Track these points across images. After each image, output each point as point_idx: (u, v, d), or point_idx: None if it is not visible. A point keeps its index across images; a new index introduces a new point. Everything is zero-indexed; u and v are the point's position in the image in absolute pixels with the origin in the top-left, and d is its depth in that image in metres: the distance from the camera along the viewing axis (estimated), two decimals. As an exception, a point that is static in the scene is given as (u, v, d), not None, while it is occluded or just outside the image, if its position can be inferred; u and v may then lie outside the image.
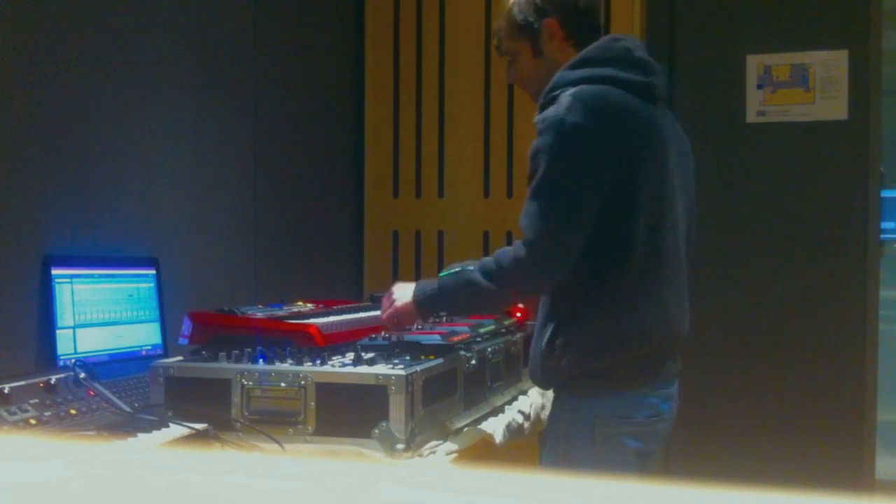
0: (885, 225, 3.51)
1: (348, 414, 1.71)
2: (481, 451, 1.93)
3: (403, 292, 1.96)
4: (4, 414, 1.49)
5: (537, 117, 1.86)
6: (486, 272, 1.83)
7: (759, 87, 3.31)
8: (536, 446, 2.37)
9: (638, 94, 1.87)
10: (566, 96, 1.80)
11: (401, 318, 1.98)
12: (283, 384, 1.74)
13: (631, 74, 1.87)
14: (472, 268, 1.87)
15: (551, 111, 1.81)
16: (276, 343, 1.88)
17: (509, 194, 3.39)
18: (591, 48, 1.92)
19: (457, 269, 1.91)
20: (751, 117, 3.33)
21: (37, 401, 1.56)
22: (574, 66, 1.89)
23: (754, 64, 3.32)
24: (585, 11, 1.98)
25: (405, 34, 3.51)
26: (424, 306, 1.93)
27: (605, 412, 1.86)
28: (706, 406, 3.36)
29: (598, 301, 1.84)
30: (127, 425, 1.61)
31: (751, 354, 3.32)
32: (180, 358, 1.92)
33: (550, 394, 2.07)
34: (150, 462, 0.74)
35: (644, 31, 3.31)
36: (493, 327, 2.27)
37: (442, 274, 1.96)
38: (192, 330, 1.99)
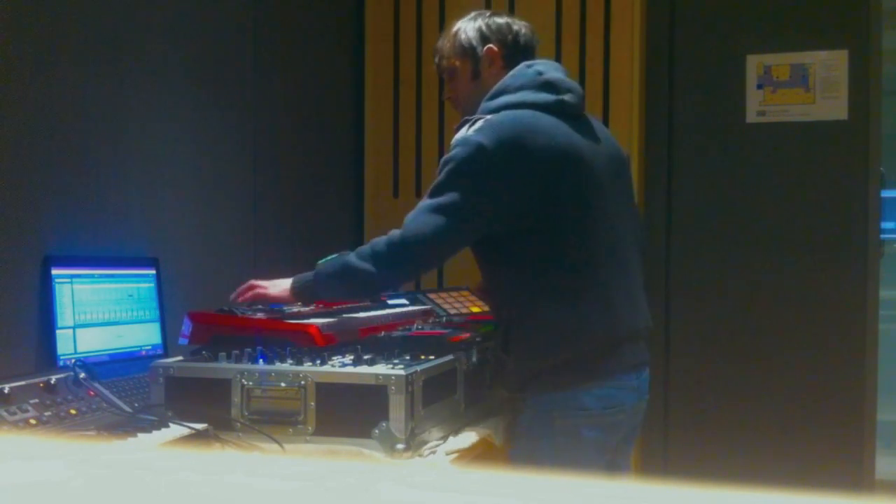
0: (885, 225, 3.51)
1: (348, 414, 1.71)
2: (481, 451, 1.93)
3: (280, 282, 2.10)
4: (4, 414, 1.49)
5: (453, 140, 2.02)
6: (360, 255, 1.98)
7: (759, 87, 3.31)
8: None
9: (552, 112, 2.00)
10: (482, 120, 1.98)
11: (262, 299, 2.11)
12: (283, 384, 1.74)
13: (542, 94, 2.02)
14: (348, 252, 2.01)
15: (462, 131, 2.00)
16: (276, 343, 1.88)
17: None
18: (505, 77, 2.08)
19: (334, 256, 2.04)
20: (751, 117, 3.33)
21: (37, 401, 1.56)
22: (492, 97, 2.06)
23: (754, 64, 3.32)
24: (525, 47, 2.15)
25: (405, 34, 3.51)
26: (301, 292, 2.06)
27: (562, 405, 1.95)
28: (706, 406, 3.36)
29: (540, 304, 1.95)
30: (127, 425, 1.61)
31: (750, 354, 3.32)
32: (180, 358, 1.92)
33: None
34: (150, 462, 0.74)
35: (644, 31, 3.31)
36: (493, 327, 2.27)
37: (319, 262, 2.06)
38: (192, 330, 1.99)
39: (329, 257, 2.05)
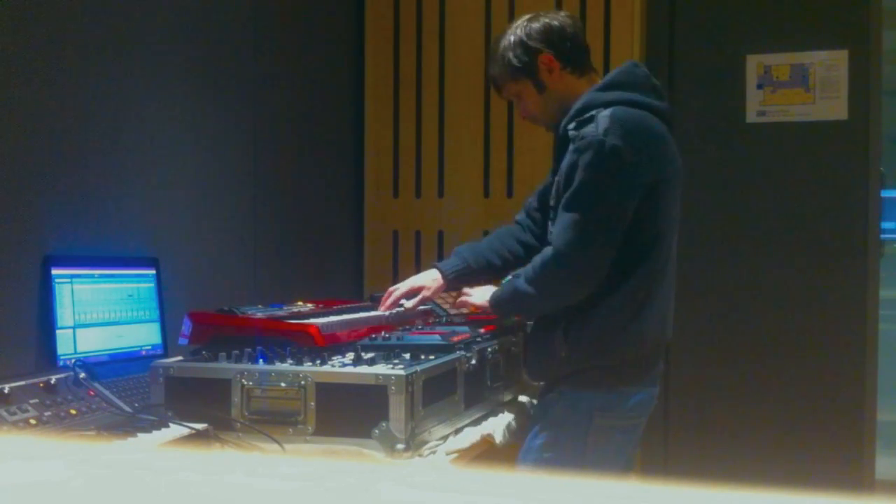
0: (885, 225, 3.51)
1: (348, 414, 1.71)
2: (481, 451, 1.93)
3: (482, 293, 2.19)
4: (4, 414, 1.49)
5: (573, 132, 1.96)
6: (527, 277, 1.99)
7: (759, 87, 3.31)
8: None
9: (659, 117, 2.01)
10: (604, 117, 1.92)
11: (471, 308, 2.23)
12: (283, 384, 1.74)
13: (653, 99, 2.02)
14: (521, 273, 2.02)
15: (590, 130, 1.92)
16: (276, 343, 1.88)
17: (509, 194, 3.39)
18: (617, 72, 2.07)
19: (509, 278, 2.06)
20: (751, 117, 3.33)
21: (37, 401, 1.56)
22: (605, 88, 2.02)
23: (754, 64, 3.32)
24: (573, 38, 2.09)
25: (405, 34, 3.51)
26: (494, 306, 2.14)
27: (603, 406, 1.99)
28: (706, 406, 3.36)
29: (610, 304, 1.97)
30: (127, 425, 1.61)
31: (751, 354, 3.32)
32: (180, 358, 1.92)
33: None
34: (150, 462, 0.74)
35: (644, 31, 3.31)
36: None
37: (504, 280, 2.11)
38: (192, 330, 1.99)
39: (507, 277, 2.08)
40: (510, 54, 2.07)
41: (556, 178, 2.01)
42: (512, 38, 2.08)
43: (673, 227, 2.04)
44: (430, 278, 2.30)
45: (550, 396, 2.05)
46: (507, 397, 2.27)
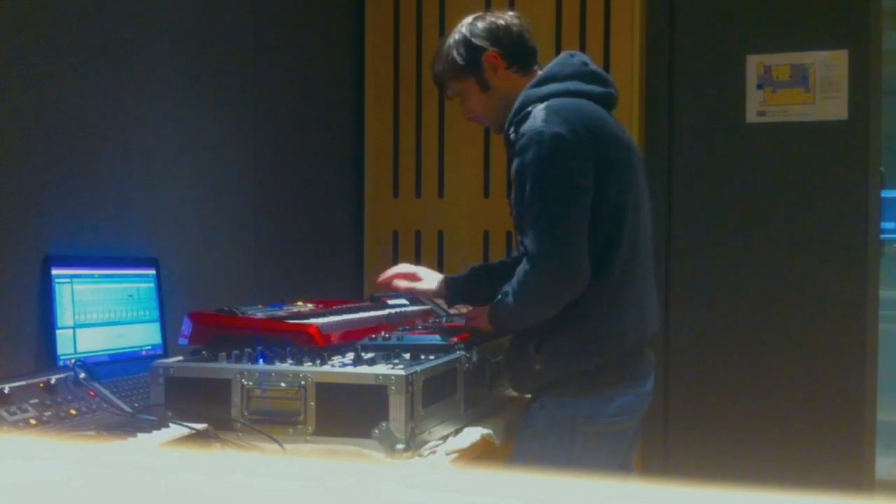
0: (885, 225, 3.51)
1: (348, 414, 1.71)
2: (481, 451, 1.93)
3: (480, 313, 2.10)
4: (4, 414, 1.49)
5: (513, 135, 1.94)
6: (513, 294, 1.92)
7: (759, 87, 3.31)
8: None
9: (599, 103, 1.97)
10: (539, 110, 1.89)
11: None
12: (283, 384, 1.74)
13: (594, 86, 1.98)
14: (507, 290, 1.94)
15: (527, 126, 1.89)
16: (276, 343, 1.88)
17: (509, 194, 3.38)
18: (551, 65, 2.02)
19: (499, 297, 1.98)
20: (751, 117, 3.33)
21: (37, 401, 1.56)
22: (539, 84, 1.98)
23: (754, 64, 3.32)
24: (518, 38, 2.06)
25: (405, 34, 3.51)
26: (492, 325, 2.07)
27: (585, 412, 1.94)
28: (706, 406, 3.36)
29: (581, 306, 1.91)
30: (127, 425, 1.61)
31: (751, 354, 3.32)
32: (180, 358, 1.92)
33: None
34: (150, 462, 0.74)
35: (644, 31, 3.31)
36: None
37: (496, 300, 2.03)
38: (192, 330, 1.99)
39: (499, 292, 2.00)
40: (454, 52, 2.04)
41: (512, 187, 1.96)
42: (457, 37, 2.05)
43: (636, 214, 1.96)
44: (432, 275, 2.27)
45: (533, 406, 2.01)
46: (508, 397, 2.27)
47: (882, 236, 3.29)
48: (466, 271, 2.29)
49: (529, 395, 2.07)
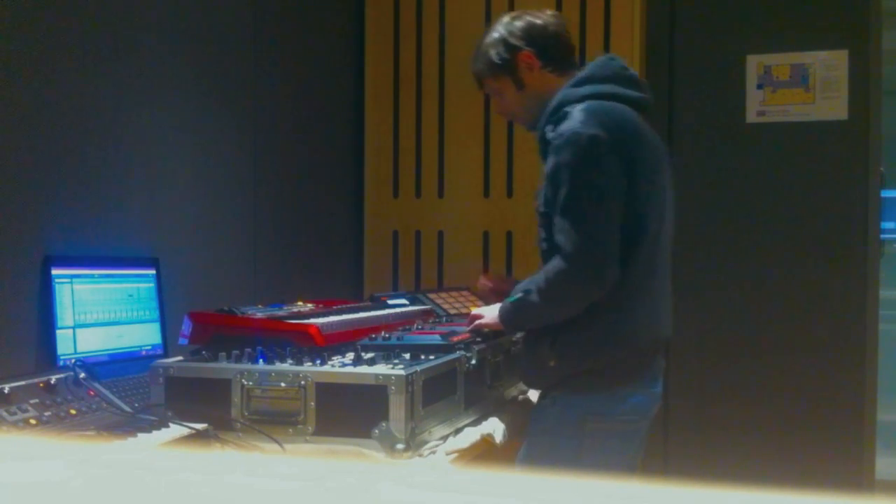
0: (885, 225, 3.51)
1: (348, 414, 1.71)
2: (481, 451, 1.93)
3: (492, 311, 2.10)
4: (4, 414, 1.49)
5: (551, 134, 1.96)
6: (539, 291, 1.93)
7: (759, 87, 3.31)
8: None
9: (634, 108, 2.00)
10: (578, 111, 1.92)
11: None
12: (283, 384, 1.74)
13: (630, 91, 2.01)
14: (532, 288, 1.95)
15: (565, 126, 1.91)
16: (276, 343, 1.88)
17: (509, 194, 3.39)
18: (591, 66, 2.05)
19: (519, 295, 1.98)
20: (751, 117, 3.33)
21: (37, 401, 1.56)
22: (577, 84, 2.01)
23: (754, 64, 3.32)
24: (555, 37, 2.09)
25: (405, 34, 3.51)
26: (506, 324, 2.08)
27: (596, 410, 1.96)
28: (706, 406, 3.36)
29: (597, 304, 1.92)
30: (127, 425, 1.61)
31: (751, 354, 3.32)
32: (180, 358, 1.92)
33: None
34: (150, 462, 0.74)
35: (644, 31, 3.31)
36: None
37: (510, 299, 2.03)
38: (192, 330, 1.99)
39: (514, 294, 2.00)
40: (492, 51, 2.08)
41: (543, 182, 1.98)
42: (495, 35, 2.09)
43: (658, 218, 1.98)
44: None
45: (544, 402, 2.03)
46: (508, 397, 2.27)
47: (882, 236, 3.29)
48: None
49: (539, 392, 2.08)
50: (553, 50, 2.08)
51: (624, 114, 1.96)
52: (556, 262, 1.90)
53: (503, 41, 2.07)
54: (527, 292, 1.96)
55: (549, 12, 2.14)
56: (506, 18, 2.12)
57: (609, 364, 1.95)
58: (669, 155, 2.13)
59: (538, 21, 2.08)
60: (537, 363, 2.01)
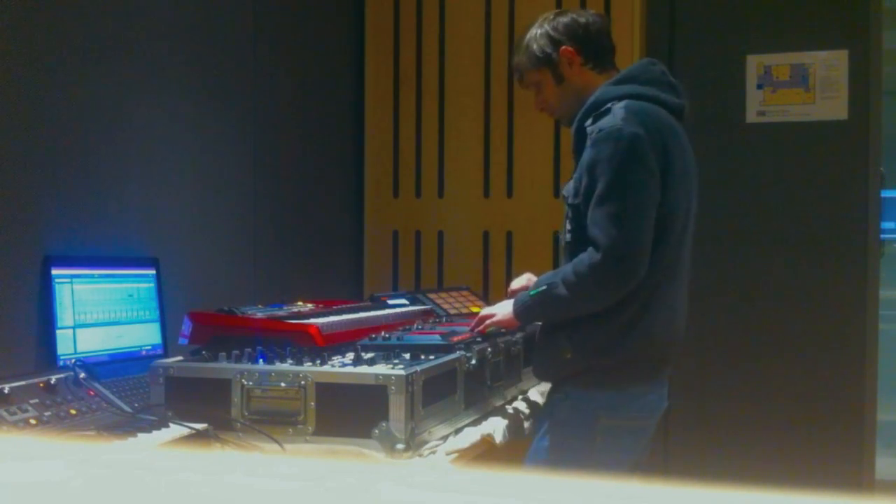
0: (885, 225, 3.51)
1: (348, 414, 1.71)
2: (481, 451, 1.93)
3: (503, 308, 2.11)
4: (4, 414, 1.49)
5: (590, 126, 1.98)
6: (567, 284, 1.94)
7: (759, 87, 3.31)
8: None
9: (672, 112, 2.04)
10: (619, 108, 1.95)
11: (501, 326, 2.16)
12: (283, 384, 1.74)
13: (669, 96, 2.05)
14: (557, 281, 1.96)
15: (606, 122, 1.94)
16: (276, 343, 1.88)
17: (509, 194, 3.39)
18: (633, 68, 2.10)
19: (543, 288, 1.99)
20: (751, 117, 3.33)
21: (37, 401, 1.56)
22: (619, 82, 2.05)
23: (754, 64, 3.32)
24: (597, 36, 2.14)
25: (405, 34, 3.51)
26: (523, 318, 2.08)
27: (610, 406, 1.98)
28: (706, 406, 3.36)
29: (618, 303, 1.94)
30: (127, 425, 1.61)
31: (751, 354, 3.32)
32: (180, 358, 1.92)
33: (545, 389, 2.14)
34: (150, 462, 0.74)
35: (644, 31, 3.31)
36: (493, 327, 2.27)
37: (531, 292, 2.03)
38: (192, 330, 1.99)
39: (538, 286, 2.00)
40: (535, 44, 2.12)
41: (578, 175, 2.00)
42: (539, 30, 2.13)
43: (682, 223, 2.02)
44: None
45: (556, 397, 2.04)
46: (507, 397, 2.27)
47: (882, 236, 3.29)
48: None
49: (550, 387, 2.10)
50: (594, 48, 2.12)
51: (661, 116, 1.99)
52: (588, 256, 1.91)
53: (547, 35, 2.12)
54: (551, 285, 1.97)
55: (593, 12, 2.20)
56: (550, 14, 2.16)
57: (624, 361, 1.97)
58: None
59: (582, 19, 2.13)
60: (553, 354, 2.03)
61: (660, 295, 1.98)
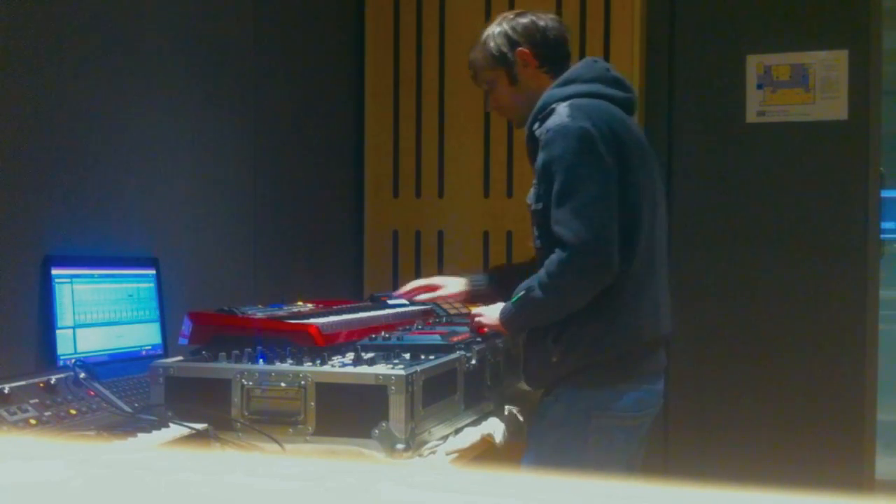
0: (885, 225, 3.51)
1: (348, 414, 1.71)
2: (481, 451, 1.93)
3: (490, 312, 2.12)
4: (4, 414, 1.49)
5: (538, 130, 1.99)
6: (542, 286, 1.94)
7: (759, 87, 3.31)
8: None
9: (620, 107, 2.03)
10: (563, 107, 1.95)
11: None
12: (283, 384, 1.74)
13: (615, 91, 2.04)
14: (533, 284, 1.96)
15: (553, 121, 1.94)
16: (276, 343, 1.88)
17: (509, 194, 3.39)
18: (575, 68, 2.09)
19: (521, 293, 1.99)
20: (751, 117, 3.33)
21: (37, 401, 1.56)
22: (562, 84, 2.05)
23: (754, 64, 3.32)
24: (555, 42, 2.14)
25: (405, 34, 3.51)
26: (509, 327, 2.09)
27: (599, 405, 1.98)
28: (706, 406, 3.36)
29: (600, 299, 1.94)
30: (127, 425, 1.61)
31: (751, 354, 3.32)
32: (180, 358, 1.92)
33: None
34: (150, 462, 0.74)
35: (644, 31, 3.31)
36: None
37: (513, 300, 2.03)
38: (192, 330, 1.99)
39: (517, 294, 2.00)
40: (492, 42, 2.13)
41: (536, 180, 2.00)
42: (497, 29, 2.13)
43: (651, 212, 2.00)
44: (453, 281, 2.36)
45: (548, 400, 2.04)
46: (508, 397, 2.27)
47: (882, 236, 3.29)
48: (490, 269, 2.37)
49: (543, 390, 2.09)
50: (550, 52, 2.12)
51: (608, 110, 1.98)
52: (556, 255, 1.91)
53: (504, 34, 2.12)
54: (529, 290, 1.97)
55: (551, 16, 2.18)
56: (510, 14, 2.16)
57: (612, 359, 1.96)
58: (668, 155, 2.16)
59: (541, 22, 2.13)
60: (540, 360, 2.03)
61: (641, 289, 1.97)
